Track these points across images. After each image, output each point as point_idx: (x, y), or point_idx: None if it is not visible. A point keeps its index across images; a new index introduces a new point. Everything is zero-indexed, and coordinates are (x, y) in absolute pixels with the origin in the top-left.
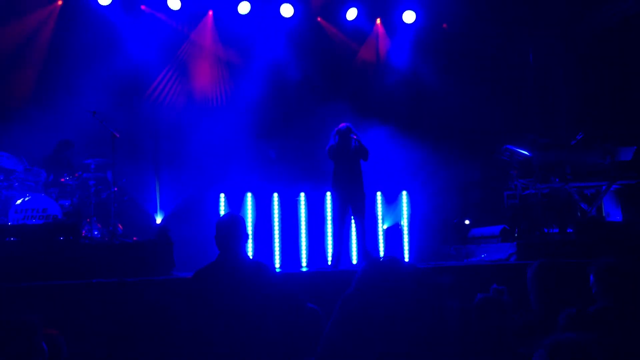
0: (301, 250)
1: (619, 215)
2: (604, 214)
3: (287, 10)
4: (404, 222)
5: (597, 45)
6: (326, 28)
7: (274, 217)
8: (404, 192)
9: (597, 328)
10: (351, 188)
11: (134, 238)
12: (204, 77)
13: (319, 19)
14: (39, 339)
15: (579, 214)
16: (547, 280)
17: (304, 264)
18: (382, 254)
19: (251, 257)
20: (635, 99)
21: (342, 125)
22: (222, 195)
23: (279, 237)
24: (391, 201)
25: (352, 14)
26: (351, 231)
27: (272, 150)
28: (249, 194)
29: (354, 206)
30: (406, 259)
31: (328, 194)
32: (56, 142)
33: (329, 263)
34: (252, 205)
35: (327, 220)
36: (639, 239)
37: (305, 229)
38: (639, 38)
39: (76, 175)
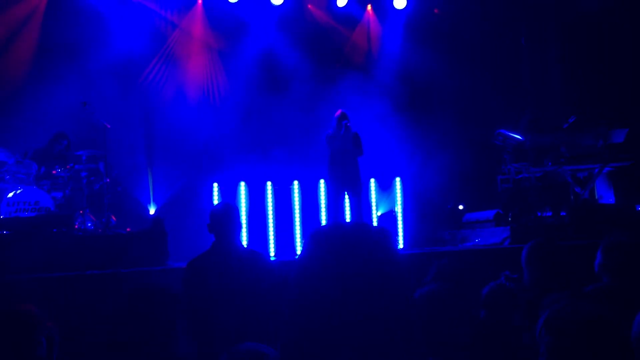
0: (295, 238)
1: (611, 197)
2: (596, 197)
3: None
4: (398, 208)
5: (590, 27)
6: (317, 15)
7: (267, 206)
8: (398, 179)
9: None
10: (346, 174)
11: (128, 229)
12: (195, 66)
13: (309, 6)
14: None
15: (572, 197)
16: (542, 259)
17: (298, 252)
18: None
19: (245, 246)
20: (628, 81)
21: (337, 112)
22: (215, 184)
23: (273, 226)
24: (385, 187)
25: (342, 0)
26: (345, 218)
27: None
28: (242, 183)
29: (350, 192)
30: (400, 246)
31: (322, 181)
32: (52, 135)
33: None
34: (245, 194)
35: (321, 207)
36: (632, 221)
37: (299, 216)
38: (631, 19)
39: (68, 167)
